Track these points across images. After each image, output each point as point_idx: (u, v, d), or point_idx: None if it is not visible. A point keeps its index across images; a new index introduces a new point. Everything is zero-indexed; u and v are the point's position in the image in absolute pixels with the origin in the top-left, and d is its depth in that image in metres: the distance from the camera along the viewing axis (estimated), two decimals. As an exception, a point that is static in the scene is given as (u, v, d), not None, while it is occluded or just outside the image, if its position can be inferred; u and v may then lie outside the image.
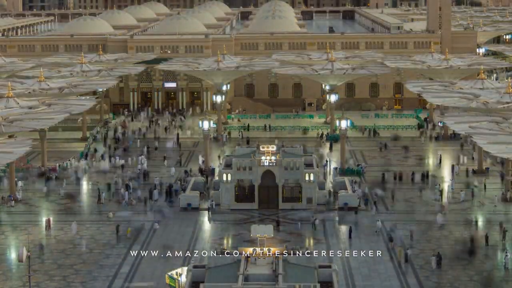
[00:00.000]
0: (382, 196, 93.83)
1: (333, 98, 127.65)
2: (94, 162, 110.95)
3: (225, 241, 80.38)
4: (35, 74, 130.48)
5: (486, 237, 77.46)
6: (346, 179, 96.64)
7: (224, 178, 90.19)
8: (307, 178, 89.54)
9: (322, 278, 54.72)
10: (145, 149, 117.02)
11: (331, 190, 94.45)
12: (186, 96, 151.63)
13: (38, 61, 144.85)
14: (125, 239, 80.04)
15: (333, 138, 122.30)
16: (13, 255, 75.62)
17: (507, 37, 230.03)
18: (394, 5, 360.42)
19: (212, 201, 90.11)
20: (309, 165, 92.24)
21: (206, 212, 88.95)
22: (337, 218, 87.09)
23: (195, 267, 57.56)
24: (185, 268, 62.72)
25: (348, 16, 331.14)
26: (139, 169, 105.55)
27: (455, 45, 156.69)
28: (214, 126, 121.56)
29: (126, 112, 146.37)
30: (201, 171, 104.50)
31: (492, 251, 75.91)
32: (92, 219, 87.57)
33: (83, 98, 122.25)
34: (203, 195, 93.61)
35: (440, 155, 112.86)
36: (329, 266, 57.41)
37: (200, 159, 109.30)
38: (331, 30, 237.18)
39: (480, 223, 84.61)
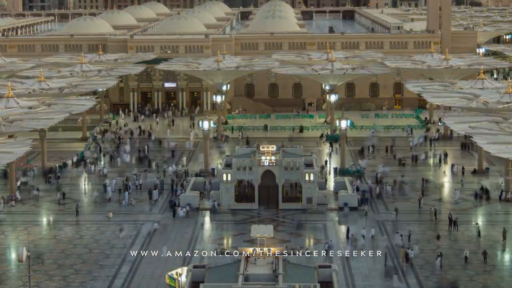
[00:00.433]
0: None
1: (333, 98, 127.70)
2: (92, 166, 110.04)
3: (225, 241, 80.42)
4: (35, 74, 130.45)
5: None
6: (346, 179, 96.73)
7: (224, 178, 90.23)
8: (307, 178, 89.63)
9: (322, 278, 54.73)
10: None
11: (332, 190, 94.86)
12: (186, 96, 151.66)
13: (38, 61, 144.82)
14: (124, 238, 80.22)
15: (333, 138, 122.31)
16: (13, 255, 75.67)
17: (507, 37, 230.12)
18: (394, 5, 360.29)
19: (214, 201, 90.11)
20: (309, 165, 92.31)
21: (208, 212, 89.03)
22: (337, 218, 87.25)
23: (195, 267, 57.58)
24: (185, 268, 62.73)
25: (348, 16, 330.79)
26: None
27: (455, 45, 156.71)
28: (214, 126, 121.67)
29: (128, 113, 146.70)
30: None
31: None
32: (92, 219, 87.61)
33: (83, 98, 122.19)
34: (203, 195, 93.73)
35: (440, 155, 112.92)
36: (329, 266, 57.44)
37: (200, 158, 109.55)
38: (331, 30, 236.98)
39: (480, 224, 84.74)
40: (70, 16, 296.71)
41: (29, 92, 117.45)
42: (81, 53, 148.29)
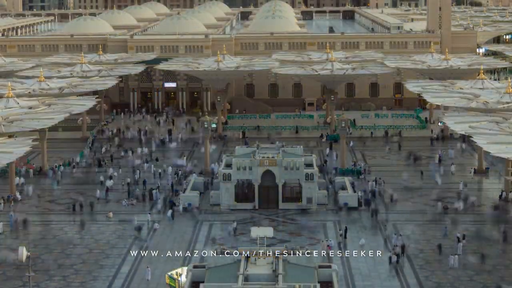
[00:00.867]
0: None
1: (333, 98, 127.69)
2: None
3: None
4: (35, 74, 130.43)
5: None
6: (346, 179, 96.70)
7: (224, 178, 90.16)
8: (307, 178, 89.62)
9: (322, 278, 54.70)
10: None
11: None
12: (186, 96, 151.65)
13: (38, 61, 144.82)
14: (125, 238, 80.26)
15: (333, 138, 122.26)
16: (13, 255, 75.61)
17: (507, 37, 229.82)
18: (394, 5, 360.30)
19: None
20: (309, 165, 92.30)
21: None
22: (337, 218, 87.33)
23: (195, 267, 57.56)
24: (185, 268, 62.71)
25: (348, 16, 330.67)
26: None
27: (455, 45, 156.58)
28: (214, 126, 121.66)
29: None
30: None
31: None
32: (92, 219, 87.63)
33: (83, 98, 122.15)
34: (203, 195, 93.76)
35: (440, 155, 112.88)
36: (329, 266, 57.43)
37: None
38: (331, 30, 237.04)
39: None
40: (70, 16, 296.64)
41: (29, 92, 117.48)
42: (81, 53, 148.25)
